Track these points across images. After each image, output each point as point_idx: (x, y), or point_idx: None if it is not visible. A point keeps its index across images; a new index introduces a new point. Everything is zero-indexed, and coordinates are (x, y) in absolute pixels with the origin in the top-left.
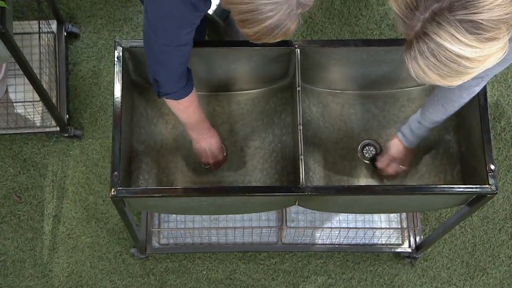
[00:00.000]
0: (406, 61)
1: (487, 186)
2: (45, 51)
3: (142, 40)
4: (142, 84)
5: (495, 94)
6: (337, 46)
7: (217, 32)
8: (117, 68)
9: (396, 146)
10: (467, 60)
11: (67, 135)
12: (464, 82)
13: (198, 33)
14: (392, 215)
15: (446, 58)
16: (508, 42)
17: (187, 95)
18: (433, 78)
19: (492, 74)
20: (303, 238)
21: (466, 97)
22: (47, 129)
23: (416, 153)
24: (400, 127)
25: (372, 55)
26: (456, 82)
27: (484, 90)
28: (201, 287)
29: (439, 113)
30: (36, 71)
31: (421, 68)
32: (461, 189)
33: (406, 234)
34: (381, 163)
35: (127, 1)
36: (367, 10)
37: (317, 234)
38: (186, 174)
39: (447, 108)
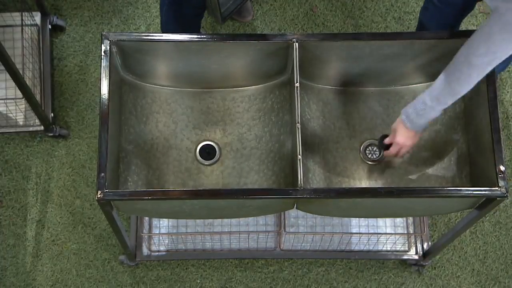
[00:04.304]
0: None
1: (496, 188)
2: (28, 45)
3: (131, 33)
4: (131, 80)
5: (508, 91)
6: (338, 40)
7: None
8: (104, 63)
9: (404, 135)
10: None
11: (52, 134)
12: (474, 59)
13: (193, 27)
14: (397, 219)
15: None
16: None
17: None
18: None
19: (508, 51)
20: (303, 244)
21: (475, 77)
22: (31, 128)
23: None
24: (407, 112)
25: (376, 50)
26: None
27: (494, 86)
28: None
29: (447, 94)
30: (19, 66)
31: None
32: (469, 192)
33: (412, 240)
34: (391, 151)
35: None
36: (372, 2)
37: (318, 240)
38: (178, 176)
39: (455, 88)
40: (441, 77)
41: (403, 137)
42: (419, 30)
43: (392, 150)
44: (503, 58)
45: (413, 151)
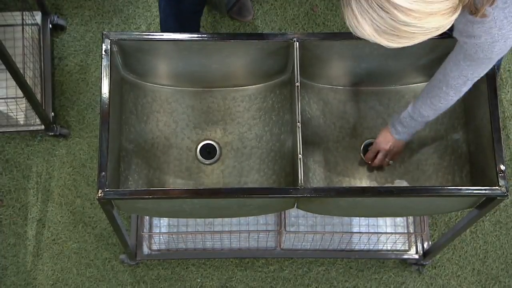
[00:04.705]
0: (342, 7)
1: (496, 187)
2: (29, 44)
3: (132, 33)
4: (132, 79)
5: (508, 91)
6: (338, 39)
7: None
8: (105, 62)
9: (384, 137)
10: (401, 12)
11: (52, 134)
12: (450, 80)
13: (192, 24)
14: (398, 219)
15: (379, 5)
16: (457, 14)
17: None
18: (368, 31)
19: (478, 74)
20: (303, 243)
21: (453, 96)
22: (31, 128)
23: (404, 150)
24: (393, 118)
25: (376, 49)
26: (394, 42)
27: (494, 85)
28: None
29: (428, 108)
30: (19, 65)
31: (354, 15)
32: (469, 191)
33: (413, 240)
34: (368, 153)
35: None
36: None
37: (318, 240)
38: (178, 175)
39: (435, 104)
40: (424, 91)
41: (382, 139)
42: None
43: (370, 151)
44: (476, 80)
45: (414, 150)
